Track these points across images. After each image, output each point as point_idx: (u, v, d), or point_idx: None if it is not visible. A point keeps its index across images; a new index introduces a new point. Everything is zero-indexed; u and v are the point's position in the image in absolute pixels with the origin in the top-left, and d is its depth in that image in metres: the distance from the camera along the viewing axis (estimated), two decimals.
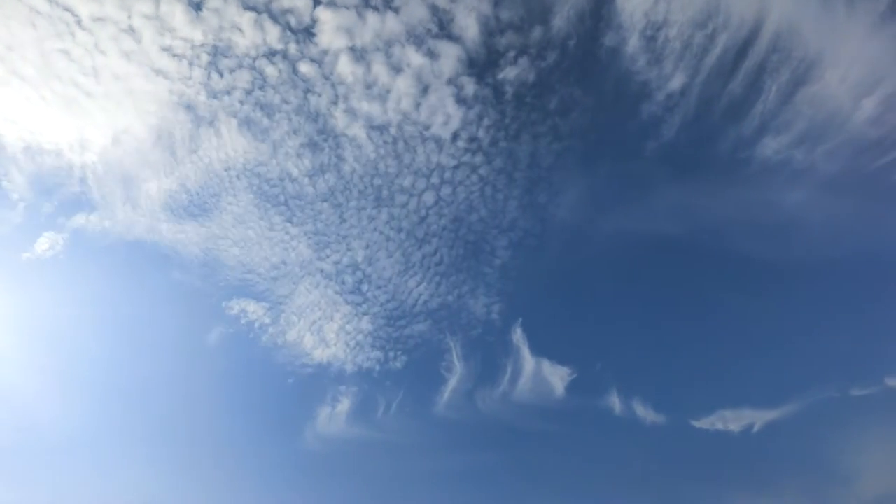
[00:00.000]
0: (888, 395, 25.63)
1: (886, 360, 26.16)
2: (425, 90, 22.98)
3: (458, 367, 32.30)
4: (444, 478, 32.95)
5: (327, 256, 28.76)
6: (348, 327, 31.93)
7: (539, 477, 31.51)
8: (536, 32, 21.76)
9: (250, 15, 20.86)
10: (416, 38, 21.37)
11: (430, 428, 33.24)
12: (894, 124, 25.61)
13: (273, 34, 21.43)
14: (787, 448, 27.68)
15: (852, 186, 26.46)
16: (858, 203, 26.82)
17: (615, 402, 29.88)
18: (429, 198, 26.31)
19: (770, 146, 26.07)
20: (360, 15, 20.67)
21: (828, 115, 25.38)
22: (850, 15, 23.75)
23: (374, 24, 21.00)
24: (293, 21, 21.11)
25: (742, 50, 23.68)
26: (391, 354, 32.24)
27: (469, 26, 21.18)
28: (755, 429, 27.54)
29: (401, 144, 24.48)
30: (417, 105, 23.40)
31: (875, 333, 26.89)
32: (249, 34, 21.40)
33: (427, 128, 24.04)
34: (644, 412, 29.56)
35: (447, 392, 32.64)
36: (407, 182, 25.55)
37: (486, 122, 24.16)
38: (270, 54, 21.82)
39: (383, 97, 22.83)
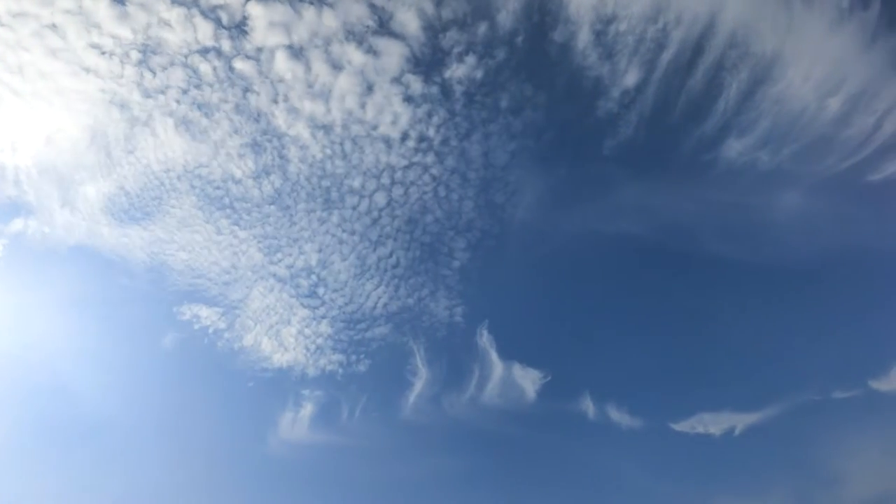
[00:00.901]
0: (872, 398, 25.46)
1: (870, 363, 25.93)
2: (370, 89, 22.26)
3: (424, 370, 31.79)
4: (413, 483, 32.41)
5: (279, 260, 28.04)
6: (307, 331, 31.27)
7: (512, 482, 30.97)
8: (482, 29, 21.07)
9: (179, 10, 20.01)
10: (355, 36, 20.62)
11: (398, 432, 32.72)
12: (862, 124, 25.09)
13: (204, 30, 20.58)
14: (771, 451, 27.41)
15: (825, 188, 26.01)
16: (833, 204, 26.37)
17: (589, 405, 29.45)
18: (380, 199, 25.65)
19: (734, 148, 25.55)
20: (295, 10, 19.87)
21: (793, 115, 24.87)
22: (808, 11, 23.14)
23: (310, 21, 20.21)
24: (224, 17, 20.28)
25: (698, 47, 23.09)
26: (353, 358, 31.65)
27: (409, 23, 20.46)
28: (737, 432, 27.28)
29: (347, 144, 23.77)
30: (362, 104, 22.68)
31: (858, 336, 26.67)
32: (180, 30, 20.53)
33: (374, 127, 23.33)
34: (619, 416, 29.20)
35: (413, 396, 32.12)
36: (356, 183, 24.85)
37: (435, 120, 23.49)
38: (203, 51, 20.98)
39: (326, 96, 22.08)
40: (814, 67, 24.26)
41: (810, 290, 27.67)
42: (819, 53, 24.08)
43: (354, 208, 25.69)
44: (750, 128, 25.23)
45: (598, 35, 21.24)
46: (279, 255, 27.70)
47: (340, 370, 31.68)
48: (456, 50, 21.65)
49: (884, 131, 24.80)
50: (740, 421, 27.21)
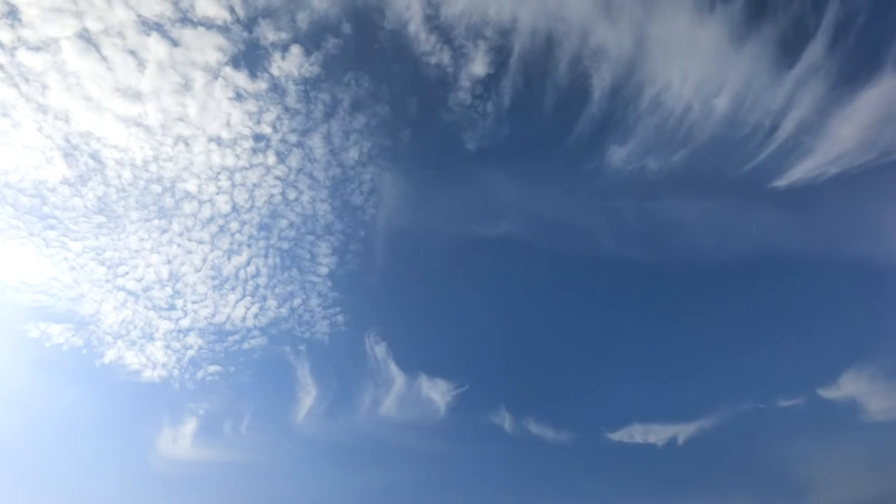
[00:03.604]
0: (820, 405, 25.16)
1: (816, 371, 25.61)
2: (186, 85, 20.15)
3: (312, 382, 30.58)
4: (314, 500, 30.82)
5: (125, 273, 25.89)
6: (175, 344, 29.39)
7: (432, 498, 29.51)
8: (301, 18, 19.19)
9: None
10: (153, 26, 18.46)
11: (292, 446, 31.34)
12: (756, 125, 23.93)
13: None
14: (719, 459, 26.85)
15: (739, 191, 25.04)
16: (755, 209, 25.46)
17: (506, 416, 28.51)
18: (223, 204, 23.71)
19: (618, 154, 24.24)
20: None
21: (677, 119, 23.66)
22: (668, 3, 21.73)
23: (96, 9, 17.94)
24: None
25: (550, 36, 21.59)
26: (233, 369, 30.09)
27: (214, 12, 18.42)
28: (680, 441, 26.59)
29: (172, 145, 21.66)
30: (181, 101, 20.60)
31: (803, 344, 26.19)
32: None
33: (199, 126, 21.26)
34: (543, 427, 28.30)
35: (304, 408, 30.79)
36: (191, 187, 22.85)
37: (268, 118, 21.67)
38: None
39: (135, 93, 19.89)
40: (689, 65, 23.04)
41: (751, 297, 27.01)
42: (689, 49, 22.86)
43: (195, 215, 23.71)
44: (630, 134, 23.92)
45: (430, 19, 19.61)
46: (124, 268, 25.59)
47: (222, 382, 30.16)
48: (277, 41, 19.78)
49: (784, 130, 23.67)
50: (681, 431, 26.64)
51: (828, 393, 24.99)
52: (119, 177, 21.73)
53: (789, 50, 22.52)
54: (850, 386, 24.73)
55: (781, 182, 24.08)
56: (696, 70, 23.11)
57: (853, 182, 23.73)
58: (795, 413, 25.39)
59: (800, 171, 23.88)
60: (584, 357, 29.08)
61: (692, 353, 27.60)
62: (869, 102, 22.74)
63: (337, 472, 31.06)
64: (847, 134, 23.30)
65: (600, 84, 22.97)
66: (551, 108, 23.65)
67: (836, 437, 25.09)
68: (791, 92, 23.01)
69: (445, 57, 20.46)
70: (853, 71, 22.54)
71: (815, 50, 22.32)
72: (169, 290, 26.64)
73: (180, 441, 30.74)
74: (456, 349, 29.97)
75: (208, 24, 18.82)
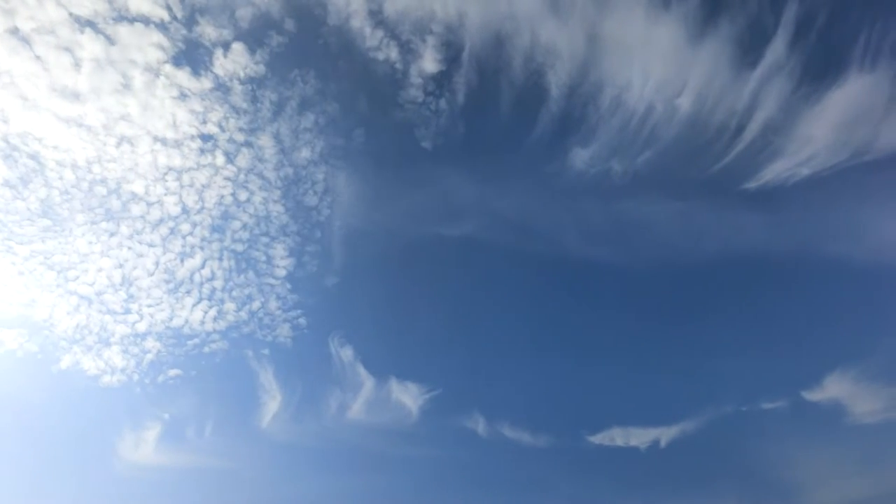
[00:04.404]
0: (805, 408, 24.88)
1: (800, 374, 25.33)
2: (126, 84, 19.69)
3: (275, 385, 30.02)
4: None
5: (76, 277, 25.35)
6: (133, 349, 28.85)
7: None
8: (241, 16, 18.75)
9: None
10: (85, 23, 18.01)
11: (258, 451, 30.73)
12: (719, 122, 23.59)
13: None
14: (704, 462, 26.36)
15: (714, 193, 24.69)
16: (738, 209, 25.07)
17: (479, 420, 28.01)
18: (172, 206, 23.22)
19: (581, 156, 23.86)
20: None
21: (640, 119, 23.31)
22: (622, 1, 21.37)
23: (27, 6, 17.46)
24: None
25: (500, 32, 21.22)
26: (194, 374, 29.53)
27: (149, 9, 17.95)
28: (662, 444, 26.18)
29: (115, 146, 21.19)
30: (122, 101, 20.15)
31: (786, 347, 25.89)
32: None
33: (143, 126, 20.80)
34: (518, 432, 27.77)
35: (269, 412, 30.27)
36: (138, 189, 22.36)
37: (214, 117, 21.26)
38: None
39: (73, 91, 19.42)
40: (648, 65, 22.75)
41: (732, 299, 26.75)
42: (646, 47, 22.57)
43: (144, 218, 23.22)
44: (594, 129, 23.58)
45: (374, 14, 19.21)
46: (74, 273, 25.08)
47: (184, 387, 29.65)
48: (218, 39, 19.36)
49: (751, 131, 23.35)
50: (662, 434, 26.21)
51: (812, 395, 24.84)
52: (61, 178, 21.29)
53: (750, 48, 22.24)
54: (834, 388, 24.59)
55: (752, 184, 23.87)
56: (655, 69, 22.79)
57: (826, 183, 23.53)
58: (779, 416, 25.22)
59: (770, 173, 23.65)
60: (560, 359, 28.71)
61: (673, 356, 27.36)
62: (837, 102, 22.50)
63: (305, 478, 30.54)
64: (817, 135, 23.05)
65: (556, 82, 22.66)
66: (508, 106, 23.34)
67: (820, 440, 24.91)
68: (755, 91, 22.73)
69: (393, 53, 20.13)
70: (818, 70, 22.31)
71: (777, 48, 22.07)
72: (123, 294, 26.16)
73: (143, 446, 30.21)
74: (426, 352, 29.57)
75: (145, 21, 18.45)
